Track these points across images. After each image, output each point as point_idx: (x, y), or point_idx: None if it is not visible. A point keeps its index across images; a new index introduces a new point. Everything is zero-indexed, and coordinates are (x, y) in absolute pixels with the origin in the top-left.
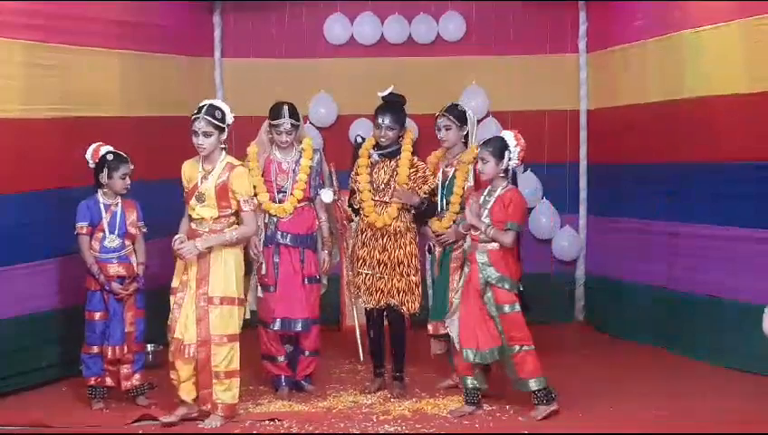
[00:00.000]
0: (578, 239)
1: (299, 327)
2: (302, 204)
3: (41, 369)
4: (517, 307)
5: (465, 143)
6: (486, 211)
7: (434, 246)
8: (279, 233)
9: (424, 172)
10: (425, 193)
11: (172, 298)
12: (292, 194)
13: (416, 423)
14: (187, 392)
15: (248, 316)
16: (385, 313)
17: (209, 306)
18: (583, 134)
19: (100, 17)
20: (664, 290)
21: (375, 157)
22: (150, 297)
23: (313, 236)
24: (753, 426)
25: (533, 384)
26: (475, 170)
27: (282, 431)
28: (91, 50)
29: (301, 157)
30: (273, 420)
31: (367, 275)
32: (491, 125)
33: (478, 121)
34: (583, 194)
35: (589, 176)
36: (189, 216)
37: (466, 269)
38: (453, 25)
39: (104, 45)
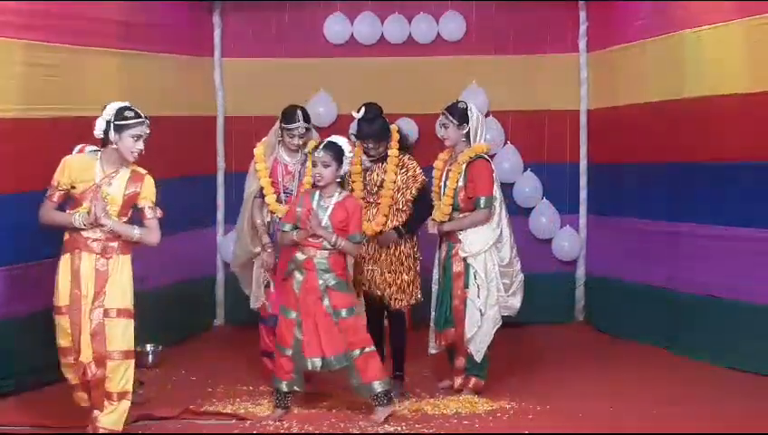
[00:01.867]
0: (578, 239)
1: None
2: None
3: (40, 369)
4: (355, 311)
5: (469, 141)
6: (326, 218)
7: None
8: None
9: (414, 171)
10: (412, 194)
11: (61, 318)
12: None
13: (416, 423)
14: None
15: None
16: (386, 313)
17: (105, 319)
18: (583, 134)
19: (100, 17)
20: (664, 290)
21: (366, 163)
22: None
23: None
24: (753, 426)
25: (378, 386)
26: (470, 170)
27: (282, 431)
28: (91, 50)
29: (306, 159)
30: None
31: (370, 271)
32: (491, 125)
33: None
34: (583, 194)
35: (589, 176)
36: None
37: (299, 276)
38: (453, 25)
39: (104, 45)
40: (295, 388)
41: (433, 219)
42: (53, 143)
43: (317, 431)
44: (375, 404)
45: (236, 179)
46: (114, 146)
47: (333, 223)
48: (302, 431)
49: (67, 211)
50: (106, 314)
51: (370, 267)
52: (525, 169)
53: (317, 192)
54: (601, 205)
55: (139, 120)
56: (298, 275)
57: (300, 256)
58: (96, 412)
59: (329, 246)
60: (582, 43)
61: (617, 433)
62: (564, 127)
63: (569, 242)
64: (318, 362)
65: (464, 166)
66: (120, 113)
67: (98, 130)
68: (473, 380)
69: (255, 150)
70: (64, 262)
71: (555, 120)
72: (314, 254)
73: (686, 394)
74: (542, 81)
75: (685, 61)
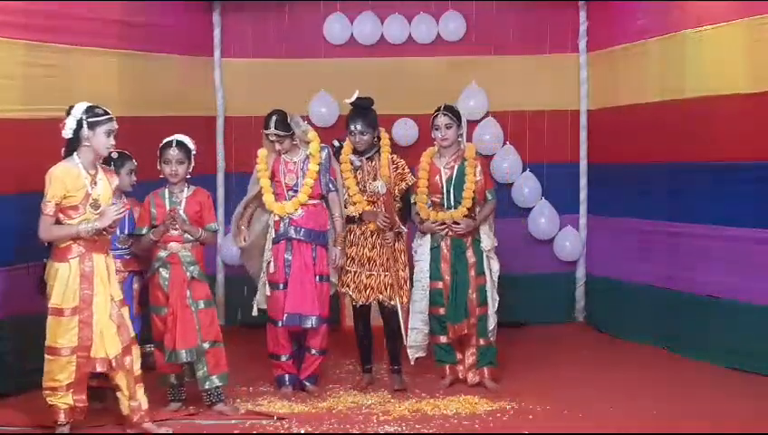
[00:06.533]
0: (578, 239)
1: (309, 323)
2: (314, 201)
3: (40, 369)
4: (212, 304)
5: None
6: (182, 212)
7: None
8: (292, 228)
9: (403, 169)
10: (401, 190)
11: (66, 319)
12: (296, 197)
13: (416, 423)
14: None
15: (255, 313)
16: (381, 308)
17: (122, 309)
18: (583, 134)
19: (100, 17)
20: (664, 290)
21: (356, 163)
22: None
23: (326, 233)
24: (753, 426)
25: (217, 380)
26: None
27: (282, 431)
28: (91, 50)
29: (308, 159)
30: (271, 417)
31: (355, 272)
32: (491, 125)
33: (477, 121)
34: (583, 194)
35: (589, 176)
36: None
37: (165, 273)
38: (453, 25)
39: (104, 45)
40: (186, 379)
41: (455, 222)
42: (53, 143)
43: (317, 431)
44: (207, 402)
45: (236, 179)
46: (87, 144)
47: (189, 216)
48: (302, 431)
49: (65, 222)
50: (121, 304)
51: (360, 270)
52: (525, 169)
53: (166, 190)
54: (601, 205)
55: (109, 116)
56: (164, 272)
57: (163, 252)
58: (134, 403)
59: (191, 239)
60: (582, 43)
61: (617, 433)
62: (564, 127)
63: (569, 242)
64: (183, 353)
65: (477, 161)
66: (90, 111)
67: (67, 130)
68: (486, 370)
69: (259, 151)
70: (73, 267)
71: (555, 121)
72: (178, 248)
73: (686, 394)
74: (542, 81)
75: (685, 61)
